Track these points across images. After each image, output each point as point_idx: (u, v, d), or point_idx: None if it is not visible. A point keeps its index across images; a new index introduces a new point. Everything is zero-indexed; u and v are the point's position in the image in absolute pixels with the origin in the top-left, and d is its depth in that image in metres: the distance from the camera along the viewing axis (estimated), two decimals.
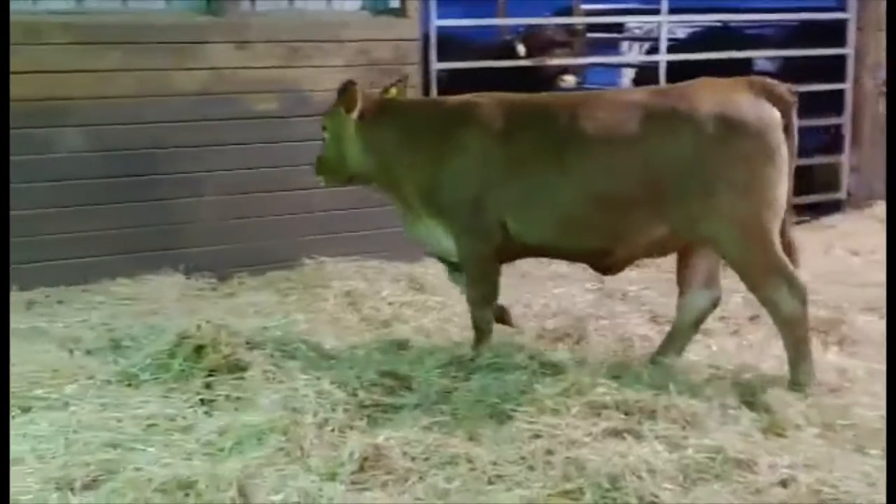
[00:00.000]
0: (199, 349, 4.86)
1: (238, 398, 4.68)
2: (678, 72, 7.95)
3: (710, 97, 4.84)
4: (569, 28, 9.02)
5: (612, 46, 12.07)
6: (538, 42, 8.30)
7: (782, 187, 4.81)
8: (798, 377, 4.77)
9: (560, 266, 6.70)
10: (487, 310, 5.25)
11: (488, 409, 4.47)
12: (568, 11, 10.01)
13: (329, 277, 6.61)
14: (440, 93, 7.20)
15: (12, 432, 4.26)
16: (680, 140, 4.77)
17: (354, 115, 5.24)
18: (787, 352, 4.85)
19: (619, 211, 4.85)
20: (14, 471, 3.95)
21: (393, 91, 5.49)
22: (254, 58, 6.72)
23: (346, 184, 5.56)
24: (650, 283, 6.45)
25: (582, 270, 6.85)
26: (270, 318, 5.84)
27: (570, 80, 8.30)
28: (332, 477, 3.96)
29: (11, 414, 4.46)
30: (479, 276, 5.19)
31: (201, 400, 4.66)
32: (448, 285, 6.48)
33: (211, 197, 6.72)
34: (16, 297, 6.06)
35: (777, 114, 4.80)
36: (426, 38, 7.30)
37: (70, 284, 6.25)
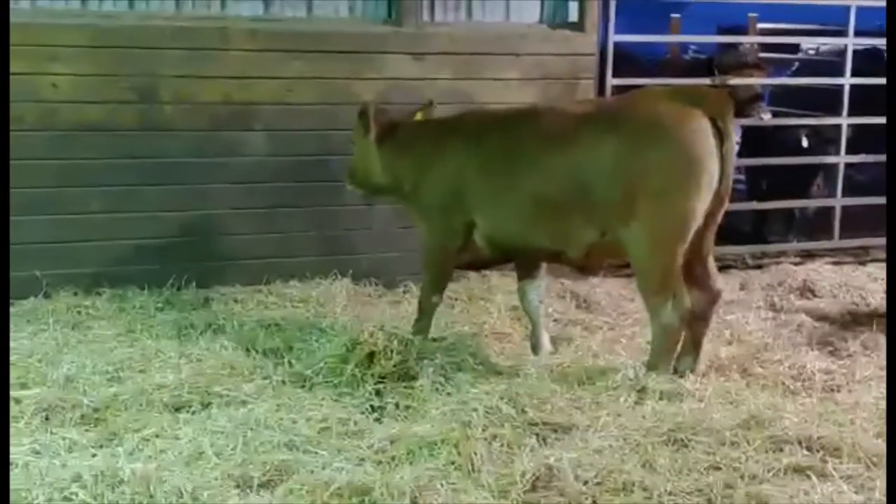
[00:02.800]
0: (371, 356, 4.89)
1: (407, 407, 4.71)
2: (861, 95, 7.68)
3: (639, 107, 5.15)
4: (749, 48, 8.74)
5: (784, 67, 11.71)
6: (730, 62, 8.02)
7: (703, 197, 4.94)
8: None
9: (732, 292, 6.52)
10: (436, 295, 5.57)
11: (663, 436, 4.36)
12: (741, 30, 9.76)
13: (494, 291, 6.60)
14: None
15: (194, 426, 4.39)
16: (602, 148, 5.01)
17: (371, 137, 5.58)
18: (652, 352, 5.14)
19: (557, 214, 5.14)
20: (196, 465, 4.05)
21: (419, 115, 5.74)
22: (430, 69, 6.76)
23: (374, 196, 5.94)
24: (828, 313, 6.21)
25: (756, 295, 6.76)
26: (435, 328, 5.87)
27: (766, 116, 7.94)
28: (504, 495, 3.92)
29: (192, 408, 4.59)
30: (434, 262, 5.56)
31: (371, 406, 4.70)
32: (615, 304, 6.39)
33: (383, 204, 6.78)
34: (193, 295, 6.27)
35: (705, 123, 4.95)
36: (602, 52, 7.21)
37: (245, 284, 6.40)
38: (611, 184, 4.98)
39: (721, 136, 4.96)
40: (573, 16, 7.11)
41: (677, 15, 11.01)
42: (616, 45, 7.27)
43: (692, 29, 9.90)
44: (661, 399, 4.71)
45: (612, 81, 7.20)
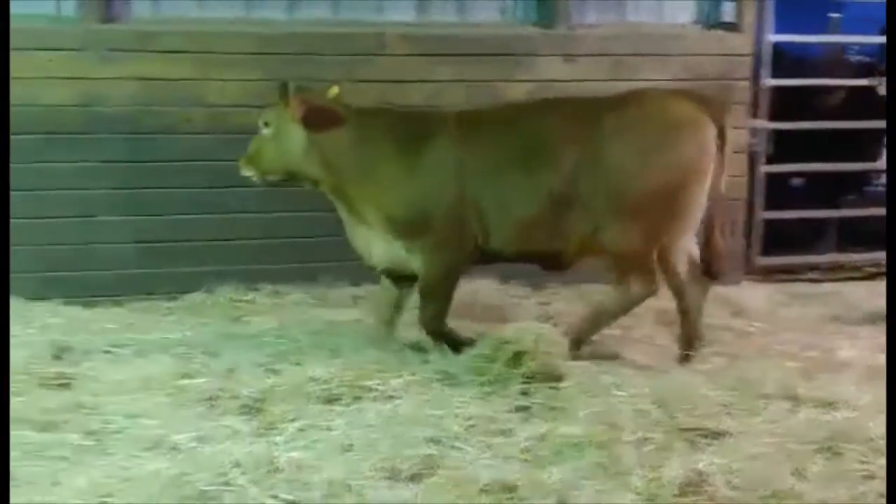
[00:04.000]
0: (519, 355, 4.92)
1: (553, 408, 4.72)
2: None
3: (639, 104, 5.21)
4: None
5: None
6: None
7: (700, 197, 5.14)
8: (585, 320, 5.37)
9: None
10: (443, 324, 5.33)
11: (816, 444, 4.25)
12: None
13: None
14: (772, 111, 7.00)
15: (345, 418, 4.52)
16: (596, 142, 5.08)
17: (297, 117, 5.21)
18: (598, 305, 5.39)
19: (562, 212, 5.13)
20: (346, 456, 4.18)
21: (335, 90, 5.38)
22: (581, 70, 6.76)
23: (279, 182, 5.46)
24: None
25: None
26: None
27: None
28: (653, 499, 3.90)
29: (343, 401, 4.73)
30: (442, 292, 5.30)
31: (518, 405, 4.73)
32: (770, 310, 6.25)
33: None
34: (344, 292, 6.45)
35: (710, 126, 5.12)
36: (758, 53, 7.07)
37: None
38: (617, 179, 5.07)
39: (721, 139, 5.15)
40: (728, 16, 6.99)
41: (837, 14, 10.65)
42: (773, 45, 7.12)
43: (853, 29, 9.55)
44: (814, 406, 4.60)
45: (768, 82, 7.05)
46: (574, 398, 4.74)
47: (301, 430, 4.45)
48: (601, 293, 6.51)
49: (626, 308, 5.38)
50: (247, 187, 6.33)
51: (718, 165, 5.19)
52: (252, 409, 4.68)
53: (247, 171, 5.38)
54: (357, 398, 4.74)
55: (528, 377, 4.85)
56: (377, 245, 5.34)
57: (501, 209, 5.19)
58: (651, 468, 4.10)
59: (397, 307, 5.53)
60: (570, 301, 6.54)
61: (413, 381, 4.92)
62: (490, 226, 5.21)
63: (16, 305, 5.96)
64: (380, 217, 5.24)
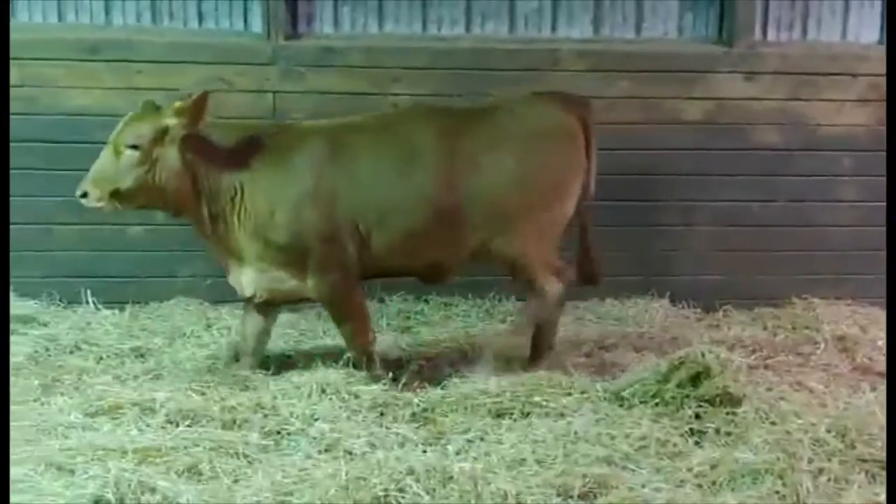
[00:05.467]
0: (694, 378, 4.83)
1: (729, 433, 4.61)
2: None
3: (509, 112, 5.19)
4: None
5: None
6: None
7: (574, 198, 5.23)
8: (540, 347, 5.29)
9: None
10: (368, 339, 5.17)
11: None
12: None
13: (820, 320, 6.35)
14: None
15: (515, 433, 4.52)
16: (472, 153, 5.03)
17: (177, 138, 4.86)
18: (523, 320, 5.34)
19: (450, 225, 5.03)
20: (518, 471, 4.17)
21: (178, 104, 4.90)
22: (761, 89, 6.61)
23: (133, 208, 5.02)
24: None
25: None
26: (755, 355, 5.74)
27: None
28: None
29: (513, 415, 4.73)
30: (348, 311, 5.13)
31: (691, 429, 4.63)
32: None
33: (703, 227, 6.71)
34: (512, 306, 6.45)
35: (575, 124, 5.21)
36: None
37: (569, 299, 6.49)
38: (504, 189, 5.04)
39: (588, 139, 5.27)
40: None
41: None
42: None
43: None
44: None
45: None
46: (750, 424, 4.62)
47: (470, 441, 4.49)
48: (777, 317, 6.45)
49: (554, 310, 5.34)
50: None
51: (588, 166, 5.28)
52: (422, 418, 4.74)
53: (94, 199, 4.83)
54: (526, 413, 4.74)
55: (704, 400, 4.75)
56: (252, 276, 5.07)
57: (379, 224, 5.02)
58: (829, 498, 3.97)
59: (262, 337, 5.31)
60: (744, 324, 6.39)
61: (583, 399, 4.89)
62: (368, 242, 5.04)
63: (198, 308, 6.26)
64: (257, 246, 4.98)
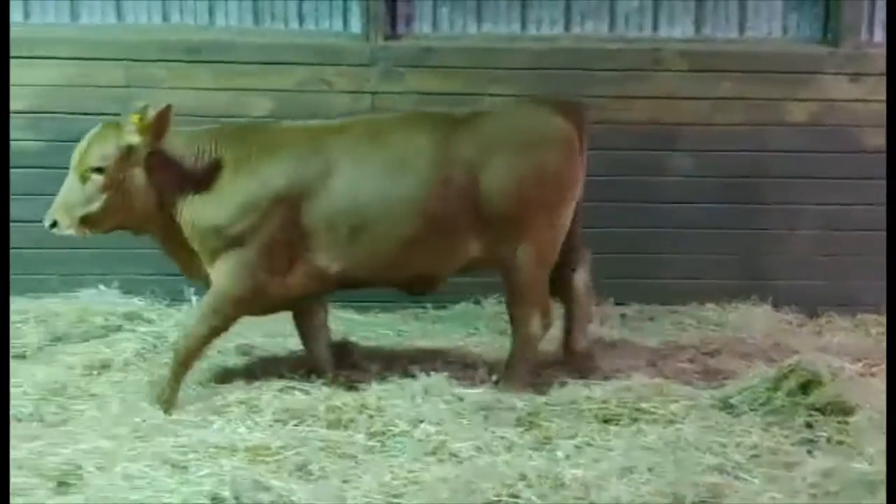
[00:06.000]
0: (804, 386, 4.73)
1: (841, 442, 4.51)
2: None
3: (505, 118, 5.00)
4: None
5: None
6: None
7: (570, 206, 5.00)
8: (511, 380, 4.99)
9: None
10: (190, 366, 4.86)
11: None
12: None
13: None
14: None
15: (624, 440, 4.47)
16: (467, 161, 4.81)
17: (141, 160, 4.69)
18: (513, 362, 5.05)
19: (433, 232, 4.82)
20: (629, 478, 4.12)
21: (135, 117, 4.70)
22: (867, 91, 6.45)
23: (104, 232, 4.81)
24: None
25: None
26: (861, 362, 5.60)
27: None
28: None
29: (621, 422, 4.67)
30: (222, 315, 4.83)
31: (803, 438, 4.54)
32: None
33: (806, 231, 6.58)
34: (611, 310, 6.40)
35: (571, 130, 4.97)
36: None
37: (661, 303, 6.43)
38: (502, 198, 4.83)
39: (581, 145, 5.03)
40: None
41: None
42: None
43: None
44: None
45: None
46: (864, 433, 4.52)
47: (578, 447, 4.43)
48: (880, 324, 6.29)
49: (532, 350, 5.09)
50: None
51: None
52: (526, 422, 4.70)
53: (64, 227, 4.69)
54: (634, 420, 4.68)
55: (815, 409, 4.65)
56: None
57: (358, 232, 4.79)
58: None
59: (317, 334, 5.24)
60: (846, 331, 6.26)
61: (691, 407, 4.81)
62: (345, 250, 4.82)
63: None
64: (195, 234, 4.81)
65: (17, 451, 4.27)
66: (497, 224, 4.88)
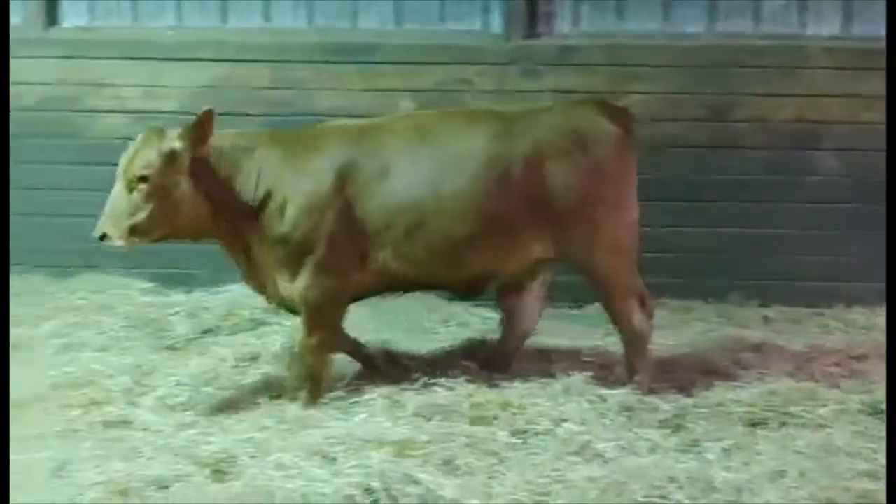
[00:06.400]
0: None
1: None
2: None
3: (564, 118, 4.93)
4: None
5: None
6: None
7: (634, 203, 4.96)
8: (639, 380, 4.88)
9: None
10: (325, 361, 4.88)
11: None
12: None
13: None
14: None
15: (773, 444, 4.39)
16: (527, 161, 4.76)
17: (185, 169, 4.60)
18: (629, 360, 4.97)
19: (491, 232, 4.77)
20: (780, 483, 4.04)
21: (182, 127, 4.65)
22: None
23: (153, 241, 4.72)
24: None
25: None
26: None
27: None
28: None
29: (769, 426, 4.58)
30: (324, 322, 4.84)
31: None
32: None
33: None
34: (753, 312, 6.29)
35: (623, 132, 4.92)
36: None
37: (807, 305, 6.28)
38: (566, 194, 4.79)
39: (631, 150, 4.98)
40: None
41: None
42: None
43: None
44: None
45: None
46: None
47: (726, 450, 4.36)
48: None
49: (643, 344, 4.99)
50: (659, 200, 6.39)
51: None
52: (672, 424, 4.64)
53: (115, 239, 4.63)
54: (783, 424, 4.59)
55: None
56: (273, 279, 4.86)
57: (412, 231, 4.73)
58: None
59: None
60: None
61: (840, 411, 4.69)
62: (400, 249, 4.76)
63: (435, 304, 6.36)
64: (265, 246, 4.78)
65: (172, 439, 4.45)
66: (561, 222, 4.82)
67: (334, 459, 4.18)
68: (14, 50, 6.49)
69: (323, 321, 4.85)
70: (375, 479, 3.92)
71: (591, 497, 3.88)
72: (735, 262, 6.32)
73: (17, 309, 6.04)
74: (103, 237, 4.65)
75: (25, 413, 4.77)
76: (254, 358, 5.46)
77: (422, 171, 4.77)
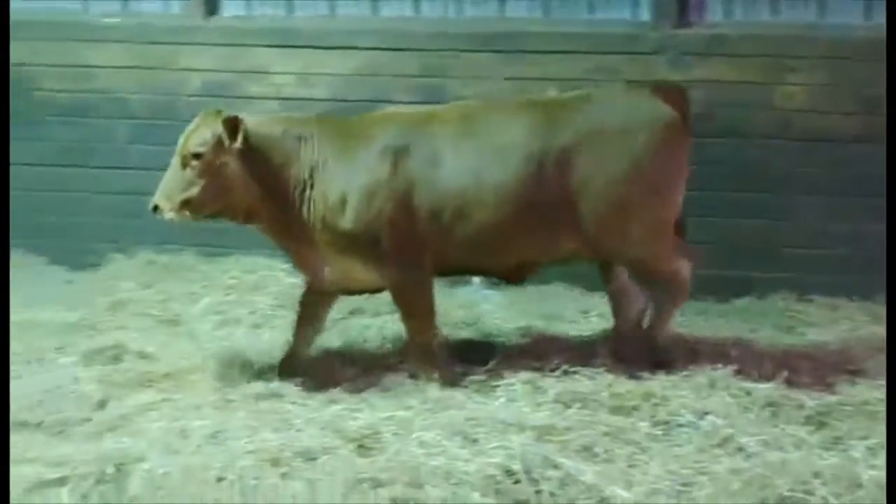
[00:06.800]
0: None
1: None
2: None
3: (612, 100, 5.06)
4: None
5: None
6: None
7: (680, 190, 5.00)
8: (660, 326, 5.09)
9: None
10: (430, 336, 5.00)
11: None
12: None
13: None
14: None
15: None
16: (574, 148, 4.84)
17: (238, 143, 4.77)
18: (665, 309, 5.10)
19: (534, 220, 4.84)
20: None
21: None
22: None
23: (204, 217, 4.94)
24: None
25: None
26: None
27: None
28: None
29: None
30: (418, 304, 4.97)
31: None
32: None
33: None
34: None
35: (675, 116, 4.93)
36: None
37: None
38: (606, 185, 4.83)
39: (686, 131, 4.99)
40: None
41: None
42: None
43: None
44: None
45: None
46: None
47: (871, 449, 4.26)
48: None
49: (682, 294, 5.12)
50: (807, 195, 6.26)
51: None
52: (816, 421, 4.57)
53: (166, 211, 4.85)
54: None
55: None
56: (326, 264, 4.97)
57: (460, 217, 4.83)
58: None
59: (317, 324, 5.23)
60: None
61: None
62: (450, 235, 4.85)
63: (573, 294, 6.36)
64: (326, 235, 4.89)
65: (318, 413, 4.62)
66: (595, 214, 4.85)
67: (475, 440, 4.26)
68: (175, 37, 6.80)
69: (415, 303, 4.99)
70: (517, 461, 3.99)
71: (733, 489, 3.86)
72: (874, 260, 6.12)
73: (173, 285, 6.37)
74: (156, 209, 4.88)
75: (183, 383, 5.02)
76: (396, 340, 5.58)
77: (466, 161, 4.88)
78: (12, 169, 6.04)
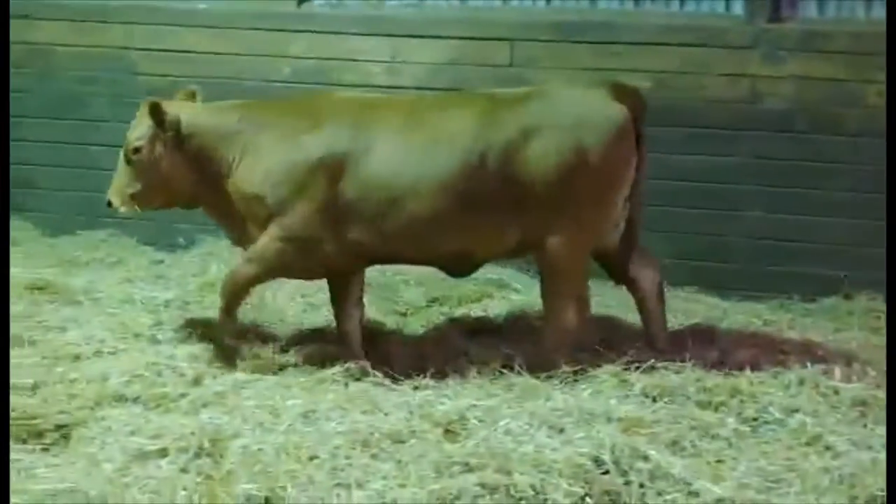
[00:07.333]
0: None
1: None
2: None
3: (552, 99, 4.97)
4: None
5: None
6: None
7: (622, 192, 4.94)
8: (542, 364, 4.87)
9: None
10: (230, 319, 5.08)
11: None
12: None
13: None
14: None
15: None
16: (513, 142, 4.83)
17: (168, 133, 4.93)
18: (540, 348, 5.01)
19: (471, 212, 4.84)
20: None
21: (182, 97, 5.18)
22: None
23: (154, 209, 5.22)
24: None
25: None
26: None
27: None
28: None
29: None
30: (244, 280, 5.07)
31: None
32: None
33: None
34: None
35: (624, 113, 4.88)
36: None
37: None
38: (541, 181, 4.79)
39: (638, 131, 4.91)
40: None
41: None
42: None
43: None
44: None
45: None
46: None
47: None
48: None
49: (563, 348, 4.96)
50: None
51: (640, 160, 4.92)
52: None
53: (118, 205, 5.09)
54: None
55: None
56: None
57: (391, 206, 4.84)
58: None
59: (351, 298, 5.22)
60: None
61: None
62: (379, 224, 4.86)
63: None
64: (246, 205, 4.98)
65: (406, 397, 4.68)
66: (536, 208, 4.84)
67: (562, 430, 4.29)
68: (269, 24, 6.90)
69: (263, 267, 5.02)
70: (605, 451, 4.00)
71: (824, 486, 3.85)
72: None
73: None
74: (109, 204, 5.12)
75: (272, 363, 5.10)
76: (478, 330, 5.63)
77: (403, 152, 4.89)
78: (109, 150, 6.19)
